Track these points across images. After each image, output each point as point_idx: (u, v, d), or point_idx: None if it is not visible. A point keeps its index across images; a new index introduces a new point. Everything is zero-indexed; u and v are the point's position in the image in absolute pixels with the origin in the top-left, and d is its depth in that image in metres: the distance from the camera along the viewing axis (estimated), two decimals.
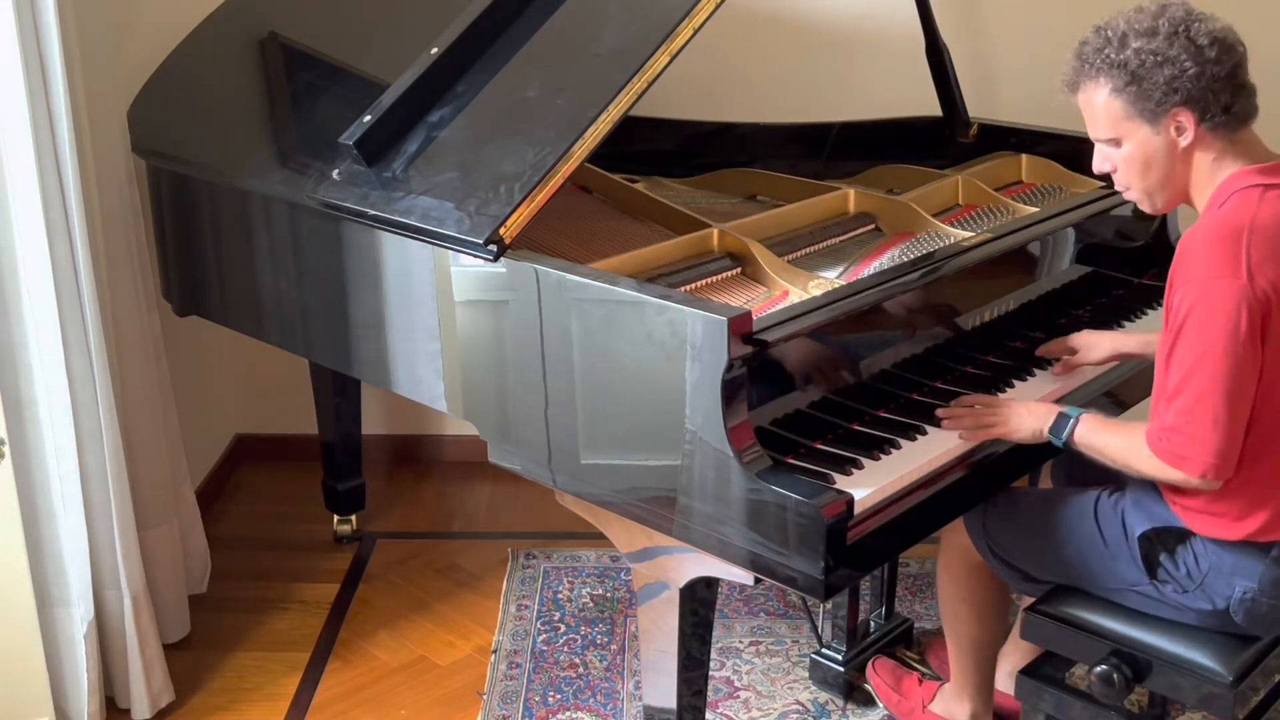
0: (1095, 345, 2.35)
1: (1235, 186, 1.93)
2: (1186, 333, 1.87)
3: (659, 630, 2.17)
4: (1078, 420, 2.06)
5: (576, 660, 2.88)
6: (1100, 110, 1.96)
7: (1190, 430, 1.88)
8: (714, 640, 2.39)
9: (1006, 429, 2.12)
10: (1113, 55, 1.92)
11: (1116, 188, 2.05)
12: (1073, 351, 2.37)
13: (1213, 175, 1.95)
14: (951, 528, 2.27)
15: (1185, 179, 1.97)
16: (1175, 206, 2.05)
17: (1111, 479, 2.10)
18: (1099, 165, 2.04)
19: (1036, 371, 2.39)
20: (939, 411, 2.16)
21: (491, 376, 2.22)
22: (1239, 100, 1.92)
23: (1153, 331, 2.35)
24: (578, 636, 2.97)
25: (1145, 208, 2.04)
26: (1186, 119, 1.91)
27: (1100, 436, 2.04)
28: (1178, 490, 2.01)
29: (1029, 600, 2.23)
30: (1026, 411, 2.13)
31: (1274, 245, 1.87)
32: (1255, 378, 1.88)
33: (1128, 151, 1.97)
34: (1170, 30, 1.89)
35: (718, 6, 2.21)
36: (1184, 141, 1.93)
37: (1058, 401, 2.29)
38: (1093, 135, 2.01)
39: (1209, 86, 1.88)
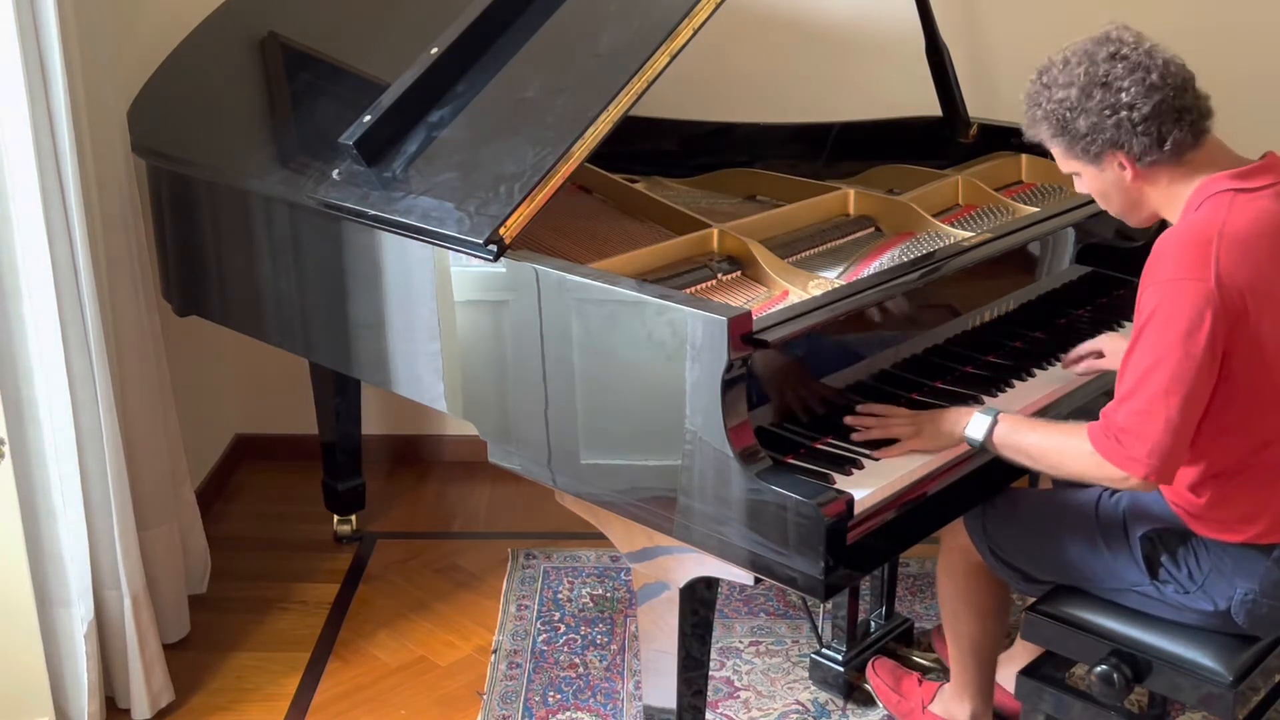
0: (1119, 352, 2.33)
1: (1208, 192, 1.93)
2: (1147, 333, 1.86)
3: (659, 630, 2.17)
4: (996, 419, 2.03)
5: (576, 660, 2.88)
6: (1053, 151, 2.02)
7: (1142, 432, 1.85)
8: (714, 640, 2.39)
9: (919, 441, 2.06)
10: (1043, 105, 1.95)
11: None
12: (1099, 355, 2.37)
13: (1175, 193, 1.95)
14: (951, 528, 2.27)
15: (1149, 202, 1.99)
16: (1155, 222, 2.05)
17: None
18: (1079, 188, 2.08)
19: (1036, 371, 2.39)
20: (846, 419, 2.11)
21: (491, 376, 2.22)
22: (1177, 130, 1.89)
23: None
24: (578, 636, 2.97)
25: (1129, 224, 2.06)
26: (1123, 159, 1.93)
27: (1025, 436, 2.01)
28: (1178, 493, 2.01)
29: (1030, 600, 2.23)
30: (932, 419, 2.08)
31: (1244, 249, 1.86)
32: (1211, 383, 1.86)
33: (1087, 184, 2.01)
34: (1087, 81, 1.90)
35: (718, 6, 2.21)
36: (1128, 177, 1.95)
37: (1055, 402, 2.30)
38: (1060, 169, 2.06)
39: (1130, 131, 1.89)
